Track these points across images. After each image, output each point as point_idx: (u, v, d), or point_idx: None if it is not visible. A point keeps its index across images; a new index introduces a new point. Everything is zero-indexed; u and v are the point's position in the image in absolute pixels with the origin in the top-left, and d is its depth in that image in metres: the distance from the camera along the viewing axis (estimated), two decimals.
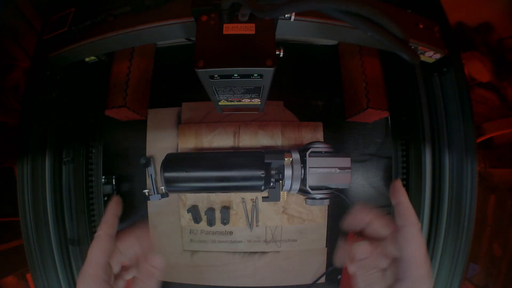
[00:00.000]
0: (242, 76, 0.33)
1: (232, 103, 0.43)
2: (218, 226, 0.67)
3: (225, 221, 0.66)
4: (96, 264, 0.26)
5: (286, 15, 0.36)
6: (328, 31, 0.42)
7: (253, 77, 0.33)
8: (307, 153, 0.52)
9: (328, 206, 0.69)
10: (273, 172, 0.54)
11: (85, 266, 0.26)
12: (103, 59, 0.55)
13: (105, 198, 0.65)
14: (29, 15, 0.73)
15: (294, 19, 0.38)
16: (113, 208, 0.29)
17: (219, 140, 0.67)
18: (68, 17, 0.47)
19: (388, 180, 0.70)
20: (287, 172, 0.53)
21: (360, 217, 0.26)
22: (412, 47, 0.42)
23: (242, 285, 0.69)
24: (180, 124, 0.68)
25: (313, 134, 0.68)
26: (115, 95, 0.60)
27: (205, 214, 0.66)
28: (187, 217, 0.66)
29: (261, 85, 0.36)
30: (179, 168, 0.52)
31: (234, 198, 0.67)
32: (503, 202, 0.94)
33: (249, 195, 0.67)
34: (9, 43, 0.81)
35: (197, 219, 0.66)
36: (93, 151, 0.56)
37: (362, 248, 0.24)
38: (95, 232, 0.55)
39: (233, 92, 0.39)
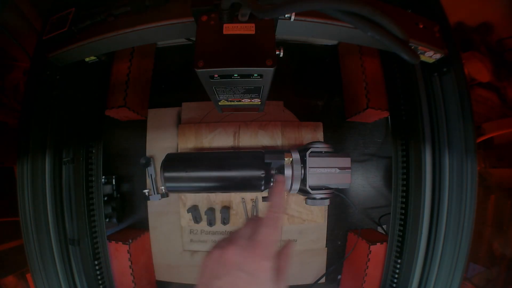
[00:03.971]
0: (242, 76, 0.33)
1: (232, 103, 0.43)
2: (218, 226, 0.67)
3: (225, 221, 0.66)
4: (275, 244, 0.28)
5: (286, 15, 0.36)
6: (328, 31, 0.41)
7: (253, 77, 0.33)
8: (307, 153, 0.52)
9: (328, 206, 0.69)
10: (273, 172, 0.54)
11: (269, 245, 0.27)
12: (103, 59, 0.55)
13: (105, 198, 0.65)
14: (29, 15, 0.74)
15: (294, 19, 0.38)
16: (282, 189, 0.32)
17: (219, 140, 0.67)
18: (68, 17, 0.47)
19: (388, 180, 0.70)
20: (287, 172, 0.53)
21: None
22: (412, 47, 0.43)
23: None
24: (180, 124, 0.68)
25: (313, 134, 0.68)
26: (115, 95, 0.60)
27: (205, 214, 0.66)
28: (187, 217, 0.66)
29: (261, 85, 0.36)
30: (179, 168, 0.52)
31: (234, 198, 0.67)
32: (503, 202, 0.94)
33: (249, 195, 0.67)
34: (9, 43, 0.81)
35: (197, 219, 0.66)
36: (93, 151, 0.56)
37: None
38: (95, 232, 0.55)
39: (233, 92, 0.39)
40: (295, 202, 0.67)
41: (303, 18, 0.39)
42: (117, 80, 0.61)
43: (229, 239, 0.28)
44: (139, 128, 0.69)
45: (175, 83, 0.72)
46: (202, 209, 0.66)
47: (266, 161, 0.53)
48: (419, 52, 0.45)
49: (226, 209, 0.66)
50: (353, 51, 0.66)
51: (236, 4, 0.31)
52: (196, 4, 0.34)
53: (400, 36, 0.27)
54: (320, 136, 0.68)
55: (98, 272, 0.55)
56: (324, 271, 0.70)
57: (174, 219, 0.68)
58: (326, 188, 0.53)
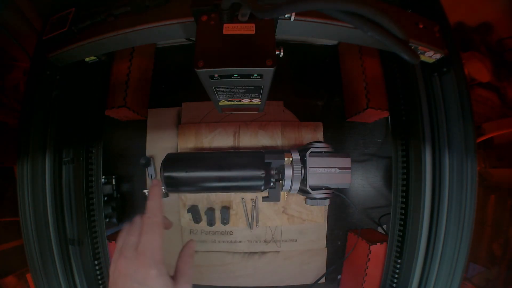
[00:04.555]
0: (242, 76, 0.33)
1: (232, 103, 0.43)
2: (218, 226, 0.67)
3: (225, 221, 0.66)
4: (160, 249, 0.29)
5: (286, 15, 0.36)
6: (328, 31, 0.41)
7: (253, 77, 0.33)
8: (307, 153, 0.52)
9: (328, 206, 0.69)
10: (273, 172, 0.54)
11: (151, 252, 0.28)
12: (103, 59, 0.55)
13: (105, 198, 0.65)
14: (29, 15, 0.73)
15: (294, 19, 0.38)
16: (158, 193, 0.32)
17: (219, 140, 0.67)
18: (68, 17, 0.47)
19: (388, 180, 0.70)
20: (287, 172, 0.53)
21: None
22: (412, 47, 0.43)
23: (242, 285, 0.69)
24: (180, 124, 0.68)
25: (313, 134, 0.68)
26: (115, 95, 0.60)
27: (205, 214, 0.66)
28: (187, 217, 0.66)
29: (261, 85, 0.36)
30: (179, 168, 0.52)
31: (234, 198, 0.67)
32: (503, 202, 0.94)
33: (249, 195, 0.67)
34: (9, 43, 0.81)
35: (197, 219, 0.66)
36: (93, 151, 0.56)
37: None
38: (95, 232, 0.55)
39: (233, 92, 0.39)
40: (295, 202, 0.67)
41: (303, 18, 0.39)
42: (117, 80, 0.61)
43: (120, 251, 0.30)
44: (139, 128, 0.69)
45: (175, 83, 0.72)
46: (202, 209, 0.66)
47: (266, 161, 0.53)
48: (419, 52, 0.45)
49: (226, 209, 0.66)
50: (353, 51, 0.66)
51: (236, 4, 0.31)
52: (196, 4, 0.34)
53: (400, 36, 0.27)
54: (320, 136, 0.68)
55: (98, 272, 0.55)
56: (324, 271, 0.70)
57: (174, 219, 0.68)
58: (326, 188, 0.53)
